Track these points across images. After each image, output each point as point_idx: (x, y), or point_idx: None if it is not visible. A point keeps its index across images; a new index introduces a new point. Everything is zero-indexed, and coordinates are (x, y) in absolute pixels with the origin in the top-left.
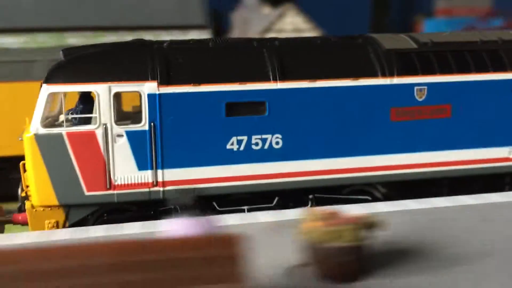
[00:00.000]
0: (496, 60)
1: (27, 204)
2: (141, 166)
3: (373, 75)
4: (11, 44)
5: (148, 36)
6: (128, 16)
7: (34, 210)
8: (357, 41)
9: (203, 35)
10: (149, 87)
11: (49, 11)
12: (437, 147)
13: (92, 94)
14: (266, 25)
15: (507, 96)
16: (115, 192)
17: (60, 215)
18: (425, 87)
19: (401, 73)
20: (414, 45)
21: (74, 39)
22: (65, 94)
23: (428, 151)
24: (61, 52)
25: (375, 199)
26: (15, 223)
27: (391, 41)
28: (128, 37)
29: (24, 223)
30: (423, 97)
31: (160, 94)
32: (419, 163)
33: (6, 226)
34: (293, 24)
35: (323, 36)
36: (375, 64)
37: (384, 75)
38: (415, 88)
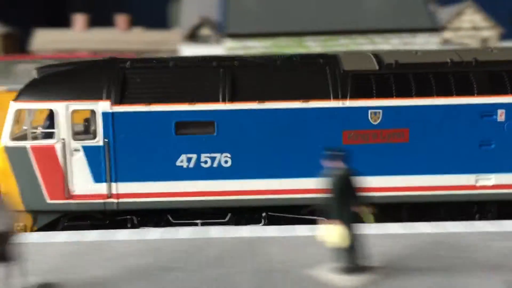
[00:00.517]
0: (464, 83)
1: None
2: (97, 178)
3: (325, 97)
4: (255, 48)
5: (379, 39)
6: (359, 20)
7: None
8: (318, 61)
9: (432, 38)
10: (103, 106)
11: (291, 17)
12: (394, 171)
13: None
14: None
15: (474, 121)
16: (73, 201)
17: (28, 220)
18: (380, 110)
19: (354, 96)
20: (376, 67)
21: (312, 43)
22: (29, 110)
23: (384, 175)
24: (34, 70)
25: None
26: None
27: (353, 61)
28: (360, 40)
29: None
30: (378, 121)
31: (113, 113)
32: (374, 187)
33: None
34: (471, 22)
35: (287, 56)
36: (328, 86)
37: (336, 97)
38: (369, 111)
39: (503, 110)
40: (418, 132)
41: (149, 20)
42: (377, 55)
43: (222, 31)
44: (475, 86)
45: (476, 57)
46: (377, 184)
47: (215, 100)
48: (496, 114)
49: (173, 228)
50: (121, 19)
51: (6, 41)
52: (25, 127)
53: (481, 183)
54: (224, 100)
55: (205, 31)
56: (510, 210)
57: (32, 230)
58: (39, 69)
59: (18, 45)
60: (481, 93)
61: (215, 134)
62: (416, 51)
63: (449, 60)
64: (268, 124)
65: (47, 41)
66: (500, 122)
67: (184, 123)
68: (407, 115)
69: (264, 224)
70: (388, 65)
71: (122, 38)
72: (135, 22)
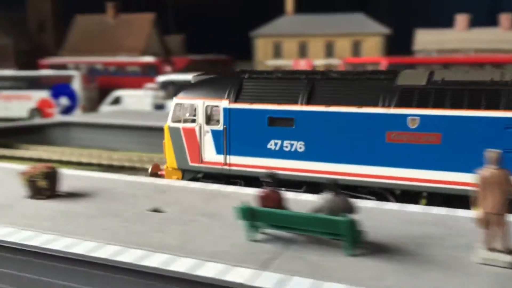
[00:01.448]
0: (494, 99)
1: (165, 165)
2: (218, 151)
3: (375, 104)
4: None
5: None
6: None
7: (167, 169)
8: (380, 76)
9: None
10: (224, 103)
11: None
12: (426, 166)
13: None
14: None
15: (497, 132)
16: (204, 165)
17: (179, 174)
18: (418, 117)
19: (397, 105)
20: (424, 82)
21: None
22: (180, 104)
23: (417, 169)
24: (192, 76)
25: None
26: (161, 176)
27: (408, 77)
28: None
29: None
30: (416, 125)
31: (229, 108)
32: (408, 177)
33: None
34: None
35: (358, 72)
36: (379, 97)
37: (383, 105)
38: (408, 117)
39: None
40: (450, 137)
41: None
42: (432, 73)
43: None
44: (503, 101)
45: None
46: (410, 175)
47: (296, 102)
48: None
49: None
50: (504, 18)
51: (387, 42)
52: (180, 115)
53: None
54: (302, 103)
55: None
56: None
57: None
58: (194, 77)
59: (392, 46)
60: (507, 108)
61: (294, 127)
62: (469, 71)
63: (489, 79)
64: (331, 123)
65: (429, 41)
66: None
67: (274, 118)
68: (441, 123)
69: None
70: (434, 82)
71: (505, 38)
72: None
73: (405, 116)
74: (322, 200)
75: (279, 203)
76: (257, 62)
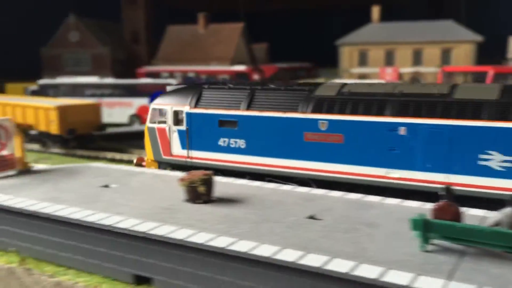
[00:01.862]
0: (382, 107)
1: (146, 158)
2: (182, 147)
3: (295, 111)
4: None
5: None
6: None
7: (148, 161)
8: (304, 88)
9: None
10: (186, 109)
11: None
12: (332, 160)
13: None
14: None
15: (383, 133)
16: (173, 158)
17: (156, 165)
18: (326, 121)
19: (312, 111)
20: (334, 93)
21: None
22: (156, 108)
23: (325, 162)
24: (167, 87)
25: None
26: (144, 166)
27: (325, 89)
28: None
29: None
30: (325, 128)
31: (190, 113)
32: (321, 169)
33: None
34: None
35: (290, 84)
36: (299, 104)
37: (302, 111)
38: (319, 121)
39: (404, 127)
40: (349, 137)
41: None
42: (344, 85)
43: None
44: (386, 109)
45: (403, 90)
46: (320, 167)
47: (239, 108)
48: (399, 130)
49: None
50: None
51: (478, 49)
52: (155, 117)
53: (390, 175)
54: (243, 109)
55: None
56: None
57: None
58: (168, 88)
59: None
60: (391, 115)
61: (237, 128)
62: (371, 84)
63: (382, 91)
64: (264, 125)
65: None
66: (402, 135)
67: (223, 120)
68: (343, 126)
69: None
70: (342, 93)
71: None
72: None
73: (317, 120)
74: (501, 215)
75: (456, 216)
76: (342, 70)
